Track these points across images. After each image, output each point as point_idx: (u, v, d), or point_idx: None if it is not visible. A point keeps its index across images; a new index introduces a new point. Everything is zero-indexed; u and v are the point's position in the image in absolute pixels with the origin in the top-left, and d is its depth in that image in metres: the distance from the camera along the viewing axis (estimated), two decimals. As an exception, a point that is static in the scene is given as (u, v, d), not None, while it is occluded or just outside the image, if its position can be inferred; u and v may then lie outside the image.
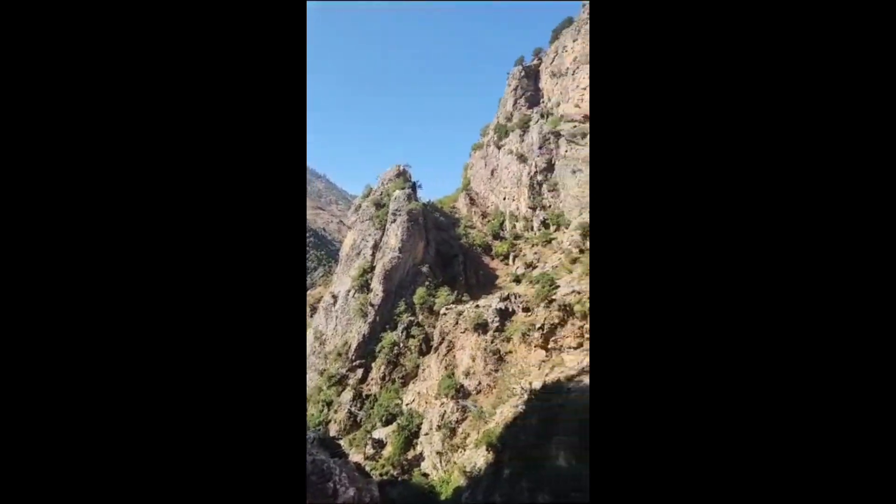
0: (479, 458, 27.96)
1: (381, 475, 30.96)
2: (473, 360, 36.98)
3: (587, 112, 57.68)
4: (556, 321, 33.09)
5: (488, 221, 63.33)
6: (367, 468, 30.34)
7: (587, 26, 60.19)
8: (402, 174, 63.07)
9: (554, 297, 35.40)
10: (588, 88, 57.78)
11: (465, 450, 30.38)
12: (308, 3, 8.09)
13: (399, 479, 31.00)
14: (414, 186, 60.59)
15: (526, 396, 28.71)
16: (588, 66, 58.00)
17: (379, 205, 56.98)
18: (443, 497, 27.31)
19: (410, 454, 33.51)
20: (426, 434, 34.05)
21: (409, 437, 34.37)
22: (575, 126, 56.98)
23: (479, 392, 35.13)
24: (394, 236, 50.82)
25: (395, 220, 51.93)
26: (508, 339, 36.24)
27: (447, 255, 54.17)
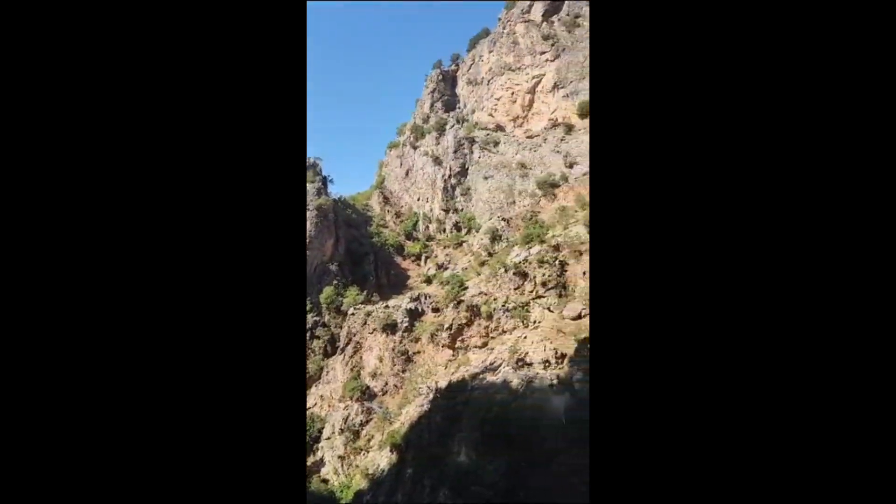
0: (382, 459, 27.58)
1: (276, 485, 29.02)
2: (381, 361, 36.45)
3: (500, 121, 60.34)
4: (464, 321, 33.93)
5: (402, 221, 63.11)
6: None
7: (503, 39, 63.03)
8: (313, 167, 60.20)
9: (462, 297, 36.30)
10: (501, 99, 60.46)
11: (368, 452, 29.77)
12: (308, 2, 7.98)
13: (296, 487, 29.33)
14: (325, 181, 58.18)
15: (431, 396, 28.98)
16: (502, 77, 60.74)
17: (286, 198, 53.62)
18: (342, 502, 26.43)
19: (310, 460, 31.95)
20: (328, 438, 32.77)
21: (309, 443, 32.77)
22: (488, 134, 59.24)
23: (385, 393, 34.69)
24: (301, 232, 48.21)
25: (303, 215, 49.35)
26: (417, 340, 36.34)
27: (358, 254, 52.84)
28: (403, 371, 35.05)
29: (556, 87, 54.77)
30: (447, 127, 63.72)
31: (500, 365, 27.70)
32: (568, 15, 58.39)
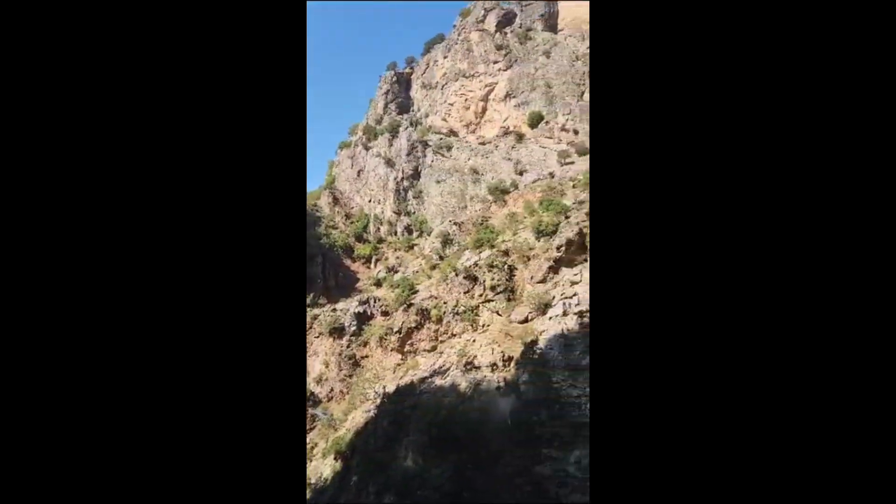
0: (325, 468, 26.72)
1: (209, 500, 27.27)
2: (327, 366, 35.39)
3: (453, 126, 60.90)
4: (414, 325, 33.72)
5: (352, 223, 61.79)
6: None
7: (457, 45, 63.79)
8: (259, 164, 57.61)
9: (413, 301, 36.08)
10: (455, 104, 61.10)
11: (311, 461, 28.73)
12: (308, 3, 7.93)
13: (232, 501, 27.72)
14: (272, 179, 55.86)
15: (378, 401, 28.52)
16: (456, 83, 61.41)
17: (228, 195, 50.90)
18: (283, 515, 25.27)
19: (248, 472, 30.32)
20: (268, 448, 31.26)
21: (248, 453, 31.10)
22: (441, 138, 59.57)
23: (330, 399, 33.72)
24: (244, 231, 45.91)
25: (246, 213, 46.99)
26: (365, 344, 35.66)
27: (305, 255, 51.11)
28: (350, 376, 34.23)
29: (508, 96, 56.16)
30: (400, 129, 63.34)
31: (448, 368, 27.78)
32: (521, 27, 60.18)
